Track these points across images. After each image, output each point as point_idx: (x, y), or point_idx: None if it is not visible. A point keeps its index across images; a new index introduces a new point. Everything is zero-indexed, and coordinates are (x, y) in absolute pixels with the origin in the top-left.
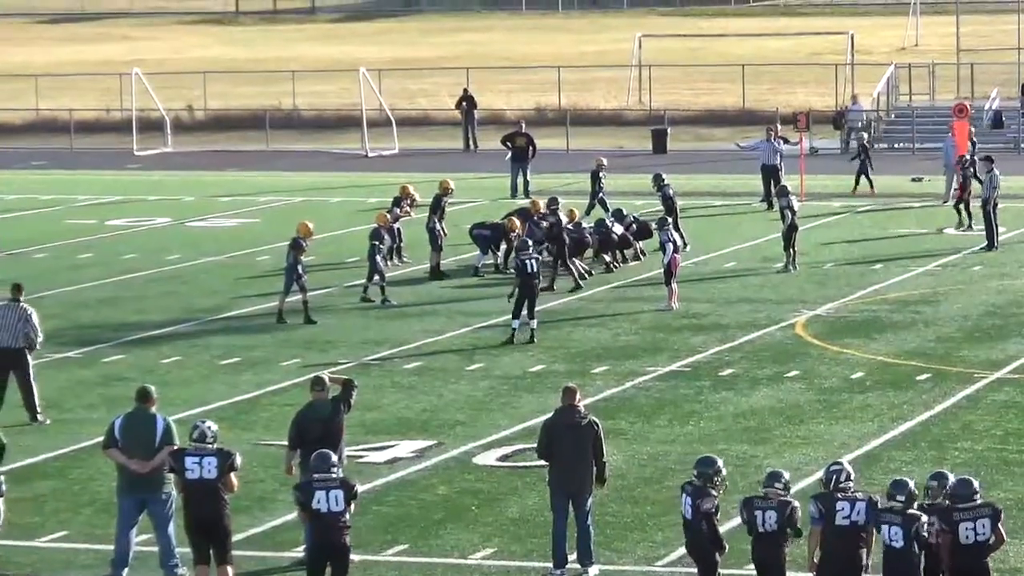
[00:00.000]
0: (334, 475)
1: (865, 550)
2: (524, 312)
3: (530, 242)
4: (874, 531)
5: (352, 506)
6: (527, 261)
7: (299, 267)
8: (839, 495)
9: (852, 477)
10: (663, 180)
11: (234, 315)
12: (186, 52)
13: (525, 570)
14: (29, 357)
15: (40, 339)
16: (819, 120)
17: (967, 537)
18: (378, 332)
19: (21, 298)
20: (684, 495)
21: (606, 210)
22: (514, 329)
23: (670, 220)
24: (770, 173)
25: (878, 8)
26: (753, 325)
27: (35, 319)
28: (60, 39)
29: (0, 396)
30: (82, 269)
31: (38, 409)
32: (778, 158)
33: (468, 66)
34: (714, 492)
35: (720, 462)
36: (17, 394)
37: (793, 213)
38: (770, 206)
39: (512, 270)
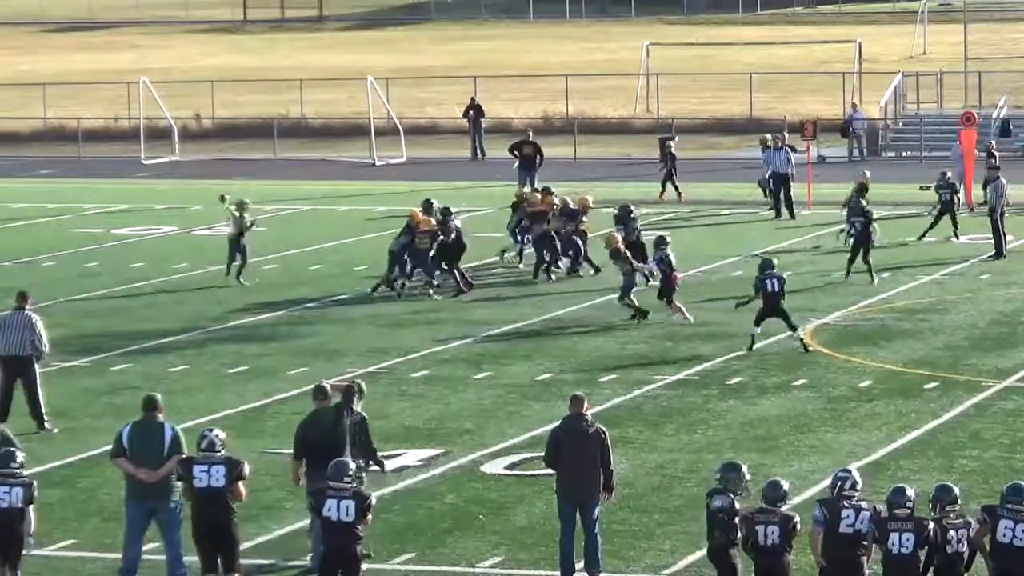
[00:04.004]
0: (347, 484)
1: (866, 557)
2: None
3: (774, 260)
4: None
5: (367, 517)
6: (767, 281)
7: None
8: (844, 503)
9: (859, 486)
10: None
11: (241, 324)
12: (194, 60)
13: None
14: (36, 365)
15: (46, 348)
16: (827, 128)
17: (1004, 535)
18: (386, 341)
19: (26, 306)
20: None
21: None
22: (753, 335)
23: (669, 240)
24: (780, 182)
25: (886, 17)
26: (760, 334)
27: (39, 327)
28: (68, 48)
29: (6, 404)
30: (89, 278)
31: (45, 417)
32: (790, 167)
33: (476, 74)
34: (732, 494)
35: (744, 468)
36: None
37: (870, 220)
38: (778, 214)
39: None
